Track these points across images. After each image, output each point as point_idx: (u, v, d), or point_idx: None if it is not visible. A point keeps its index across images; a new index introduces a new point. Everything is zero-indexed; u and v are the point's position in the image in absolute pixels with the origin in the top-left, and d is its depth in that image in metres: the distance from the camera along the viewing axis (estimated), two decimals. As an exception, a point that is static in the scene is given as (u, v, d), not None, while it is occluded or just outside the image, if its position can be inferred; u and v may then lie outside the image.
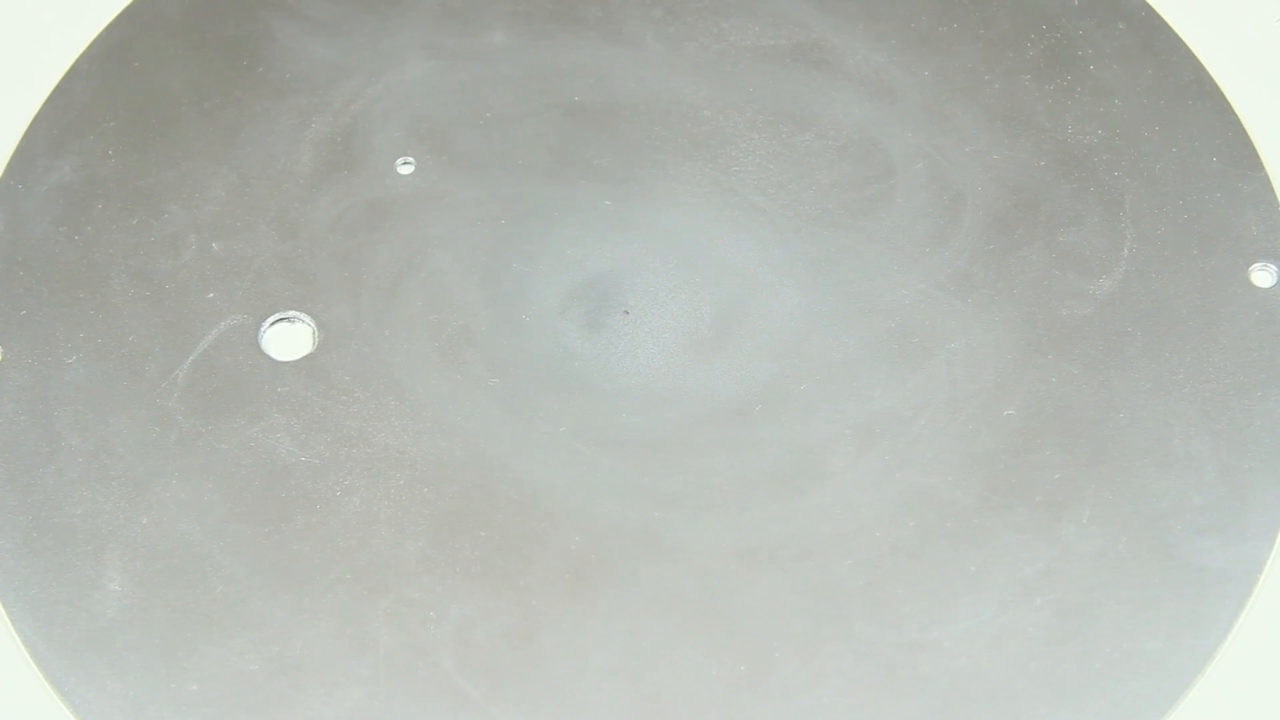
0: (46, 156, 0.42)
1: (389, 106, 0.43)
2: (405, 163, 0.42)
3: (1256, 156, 0.42)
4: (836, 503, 0.36)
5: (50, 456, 0.37)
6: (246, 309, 0.39)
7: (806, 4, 0.45)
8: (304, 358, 0.39)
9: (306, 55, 0.44)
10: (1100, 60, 0.44)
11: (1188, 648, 0.35)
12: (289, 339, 0.39)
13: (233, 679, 0.34)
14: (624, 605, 0.35)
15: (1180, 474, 0.37)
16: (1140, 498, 0.37)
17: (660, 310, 0.40)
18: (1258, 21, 0.47)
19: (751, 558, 0.36)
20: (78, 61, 0.44)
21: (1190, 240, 0.41)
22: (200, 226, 0.41)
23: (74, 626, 0.35)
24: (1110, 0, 0.45)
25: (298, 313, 0.39)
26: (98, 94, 0.43)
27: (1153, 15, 0.45)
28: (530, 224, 0.41)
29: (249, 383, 0.38)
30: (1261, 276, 0.40)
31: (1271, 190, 0.42)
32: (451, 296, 0.40)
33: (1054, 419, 0.38)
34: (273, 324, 0.39)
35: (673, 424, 0.38)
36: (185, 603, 0.35)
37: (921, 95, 0.43)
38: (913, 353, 0.39)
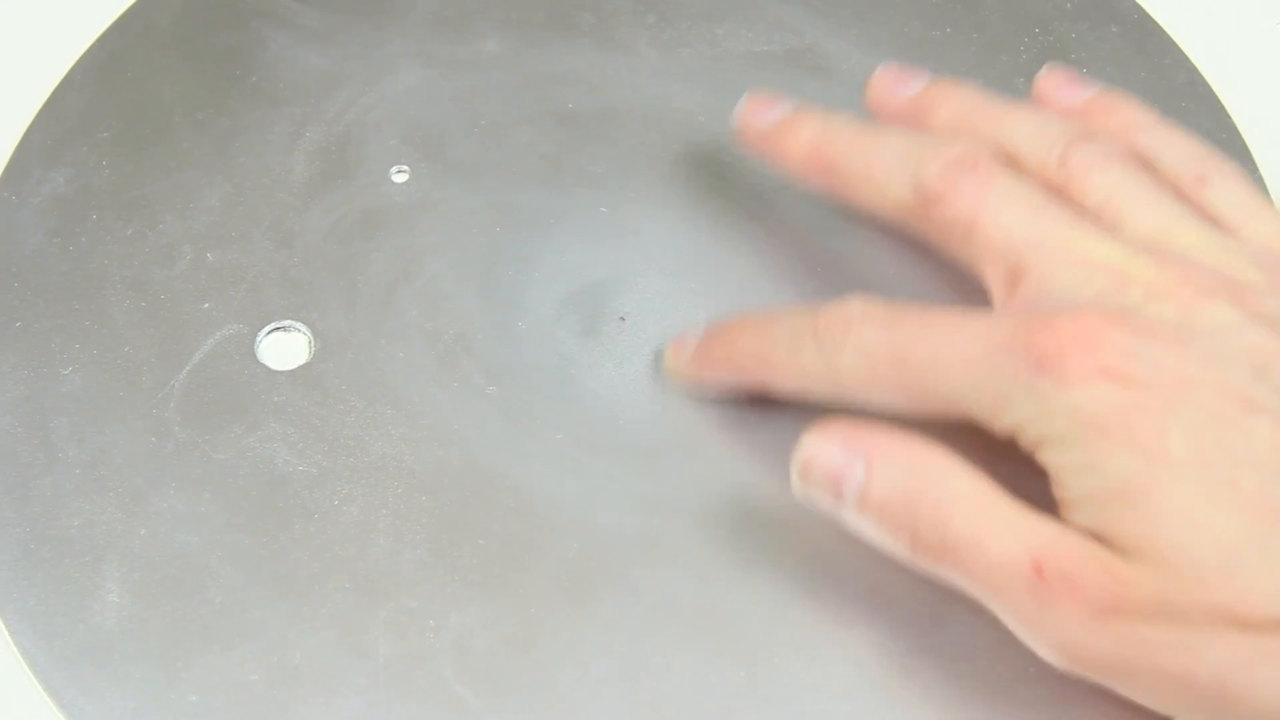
0: (40, 168, 0.42)
1: (383, 115, 0.43)
2: (399, 171, 0.42)
3: (1250, 159, 0.43)
4: (836, 507, 0.36)
5: (47, 468, 0.37)
6: (242, 319, 0.39)
7: (800, 9, 0.45)
8: (300, 367, 0.39)
9: (300, 64, 0.44)
10: (1094, 63, 0.44)
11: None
12: (285, 348, 0.39)
13: (232, 689, 0.34)
14: (623, 612, 0.35)
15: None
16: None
17: (657, 317, 0.40)
18: (1251, 24, 0.47)
19: (751, 563, 0.36)
20: (70, 72, 0.44)
21: (1185, 242, 0.41)
22: (195, 236, 0.41)
23: (72, 638, 0.35)
24: (1103, 3, 0.45)
25: (293, 322, 0.39)
26: (91, 105, 0.43)
27: (1145, 18, 0.45)
28: (525, 231, 0.41)
29: (245, 392, 0.38)
30: (1257, 278, 0.40)
31: (1266, 192, 0.42)
32: (447, 305, 0.40)
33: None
34: (268, 333, 0.39)
35: (670, 430, 0.38)
36: (184, 613, 0.35)
37: (915, 100, 0.43)
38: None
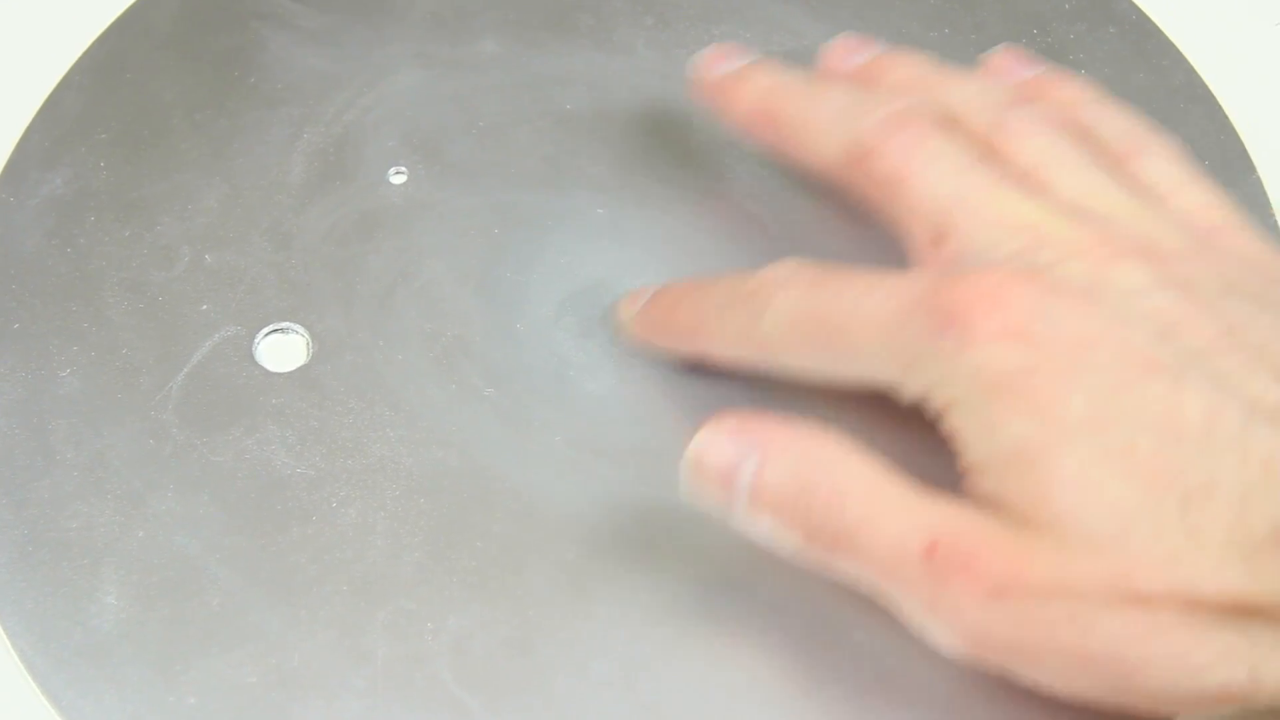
0: (38, 169, 0.42)
1: (381, 116, 0.43)
2: (398, 172, 0.42)
3: (1249, 160, 0.43)
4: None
5: (45, 470, 0.37)
6: (240, 320, 0.39)
7: (799, 11, 0.45)
8: (298, 369, 0.39)
9: (298, 66, 0.44)
10: (1092, 64, 0.44)
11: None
12: (283, 350, 0.39)
13: (230, 691, 0.34)
14: (622, 614, 0.35)
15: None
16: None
17: (655, 318, 0.40)
18: (1250, 25, 0.47)
19: (749, 565, 0.36)
20: (69, 73, 0.44)
21: (1184, 244, 0.41)
22: (193, 238, 0.41)
23: (70, 640, 0.35)
24: (1101, 4, 0.45)
25: (291, 324, 0.39)
26: (89, 106, 0.43)
27: (1144, 19, 0.45)
28: (524, 233, 0.41)
29: (243, 394, 0.38)
30: (1255, 279, 0.40)
31: (1265, 194, 0.42)
32: (445, 306, 0.40)
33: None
34: (267, 335, 0.39)
35: (669, 432, 0.38)
36: (182, 615, 0.35)
37: (914, 101, 0.43)
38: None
